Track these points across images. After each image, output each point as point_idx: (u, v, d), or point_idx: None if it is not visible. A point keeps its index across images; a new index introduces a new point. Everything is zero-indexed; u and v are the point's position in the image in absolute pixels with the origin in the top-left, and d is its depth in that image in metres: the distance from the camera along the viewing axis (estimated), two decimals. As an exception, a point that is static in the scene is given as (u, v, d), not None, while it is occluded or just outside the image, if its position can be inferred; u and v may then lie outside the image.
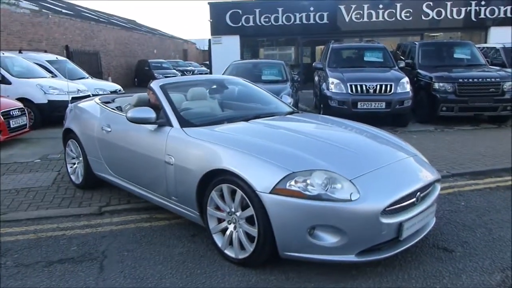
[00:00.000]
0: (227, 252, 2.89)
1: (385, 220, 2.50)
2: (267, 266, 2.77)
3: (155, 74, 20.45)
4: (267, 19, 15.75)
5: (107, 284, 2.65)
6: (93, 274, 2.78)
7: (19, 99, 8.04)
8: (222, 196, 2.86)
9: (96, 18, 22.27)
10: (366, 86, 7.82)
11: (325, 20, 15.72)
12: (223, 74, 9.16)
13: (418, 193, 2.74)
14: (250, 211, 2.65)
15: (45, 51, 12.47)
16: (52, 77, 9.67)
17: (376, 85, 7.80)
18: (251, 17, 15.72)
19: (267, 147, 2.88)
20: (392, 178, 2.73)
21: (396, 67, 8.77)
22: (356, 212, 2.45)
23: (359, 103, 7.79)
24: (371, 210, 2.46)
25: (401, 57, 10.42)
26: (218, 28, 15.87)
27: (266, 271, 2.75)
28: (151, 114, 3.38)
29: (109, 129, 3.99)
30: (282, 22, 15.77)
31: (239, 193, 2.70)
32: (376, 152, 3.03)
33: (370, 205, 2.47)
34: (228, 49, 15.45)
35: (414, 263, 2.82)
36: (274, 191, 2.52)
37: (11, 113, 6.71)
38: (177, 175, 3.17)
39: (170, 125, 3.38)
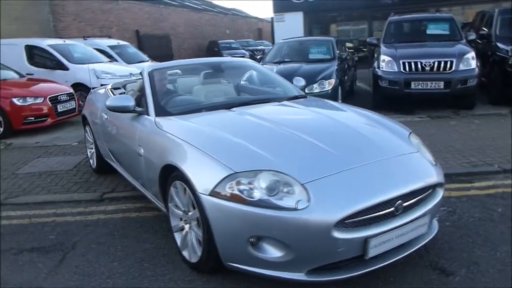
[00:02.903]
0: (184, 253, 2.65)
1: (340, 235, 2.03)
2: (219, 274, 2.48)
3: (224, 55, 20.58)
4: (331, -7, 14.76)
5: (54, 280, 2.58)
6: (50, 267, 2.74)
7: (76, 84, 8.56)
8: (178, 194, 2.61)
9: (166, 1, 22.94)
10: (421, 63, 6.83)
11: (397, -9, 14.24)
12: (267, 54, 8.76)
13: (399, 201, 2.20)
14: (197, 212, 2.37)
15: (109, 37, 13.15)
16: (110, 61, 10.13)
17: (434, 62, 6.77)
18: (314, -9, 14.87)
19: (223, 141, 2.54)
20: (363, 182, 2.21)
21: (464, 41, 7.55)
22: (302, 224, 2.02)
23: (412, 83, 6.86)
24: (320, 222, 2.01)
25: (482, 27, 8.98)
26: (281, 5, 15.33)
27: (218, 280, 2.46)
28: (129, 102, 3.21)
29: (106, 116, 3.95)
30: (348, -6, 14.66)
31: (188, 192, 2.42)
32: (356, 148, 2.50)
33: (320, 216, 2.02)
34: (291, 27, 14.80)
35: (394, 284, 2.30)
36: (213, 193, 2.20)
37: (59, 98, 7.13)
38: (145, 167, 3.01)
39: (148, 114, 3.20)
